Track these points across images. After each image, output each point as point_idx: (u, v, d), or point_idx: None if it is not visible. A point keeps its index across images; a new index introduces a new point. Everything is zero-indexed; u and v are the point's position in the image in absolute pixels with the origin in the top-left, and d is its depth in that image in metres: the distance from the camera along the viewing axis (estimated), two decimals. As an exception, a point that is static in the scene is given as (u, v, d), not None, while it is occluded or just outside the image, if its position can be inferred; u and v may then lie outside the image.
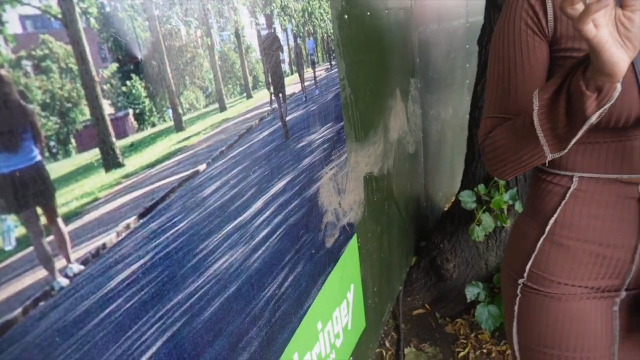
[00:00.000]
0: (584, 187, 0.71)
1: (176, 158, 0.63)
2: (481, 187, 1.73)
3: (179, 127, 0.64)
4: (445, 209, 2.58)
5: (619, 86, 0.53)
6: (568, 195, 0.73)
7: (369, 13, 1.37)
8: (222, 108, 0.73)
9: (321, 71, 1.05)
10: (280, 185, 0.89)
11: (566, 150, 0.61)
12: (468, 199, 1.70)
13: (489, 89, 0.74)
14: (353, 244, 1.29)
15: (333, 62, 1.11)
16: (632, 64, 0.60)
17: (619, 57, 0.50)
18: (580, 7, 0.49)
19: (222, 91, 0.73)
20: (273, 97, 0.87)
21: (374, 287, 1.53)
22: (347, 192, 1.25)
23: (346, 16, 1.19)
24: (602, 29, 0.49)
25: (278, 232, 0.89)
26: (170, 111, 0.63)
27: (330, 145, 1.11)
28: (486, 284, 1.76)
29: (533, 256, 0.77)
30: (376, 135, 1.45)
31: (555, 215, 0.74)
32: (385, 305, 1.71)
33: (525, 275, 0.78)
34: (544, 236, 0.75)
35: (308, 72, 0.99)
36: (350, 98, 1.22)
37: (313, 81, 1.01)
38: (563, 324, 0.75)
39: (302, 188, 0.99)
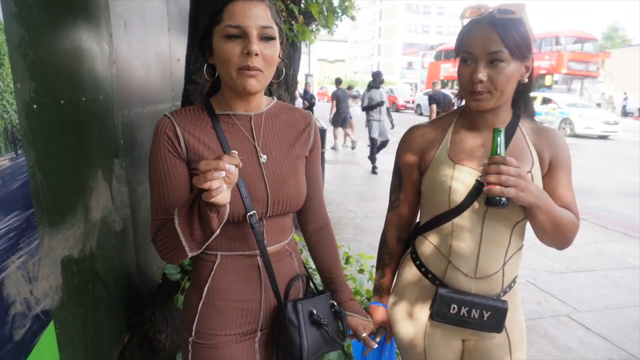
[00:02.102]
0: (224, 261, 1.00)
1: None
2: (186, 259, 1.94)
3: None
4: (160, 281, 2.67)
5: (228, 206, 0.82)
6: (215, 268, 1.00)
7: (62, 102, 1.43)
8: None
9: (4, 161, 1.05)
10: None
11: (202, 249, 0.88)
12: (173, 271, 1.88)
13: (152, 197, 0.96)
14: (50, 331, 1.25)
15: (19, 151, 1.12)
16: (237, 185, 0.93)
17: (225, 199, 0.77)
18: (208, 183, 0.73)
19: None
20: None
21: (79, 375, 1.47)
22: (40, 279, 1.22)
23: (35, 106, 1.23)
24: (216, 194, 0.74)
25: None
26: None
27: (18, 233, 1.10)
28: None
29: (196, 317, 1.00)
30: (75, 218, 1.47)
31: (208, 283, 1.00)
32: (94, 392, 1.64)
33: (193, 333, 1.00)
34: (202, 301, 1.00)
35: (-12, 164, 0.99)
36: (42, 184, 1.24)
37: (-6, 172, 1.01)
38: None
39: (-19, 282, 0.94)
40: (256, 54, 0.89)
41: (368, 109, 7.61)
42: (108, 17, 1.92)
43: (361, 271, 2.55)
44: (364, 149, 10.70)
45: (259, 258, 1.01)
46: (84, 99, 1.62)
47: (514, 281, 1.15)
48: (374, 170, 7.92)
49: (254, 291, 1.02)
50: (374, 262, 2.62)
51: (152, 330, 1.99)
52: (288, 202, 1.02)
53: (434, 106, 7.60)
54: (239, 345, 1.02)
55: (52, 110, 1.36)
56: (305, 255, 1.94)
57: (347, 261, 2.53)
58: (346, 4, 7.37)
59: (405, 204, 1.23)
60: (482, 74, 0.99)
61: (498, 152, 0.95)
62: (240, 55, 0.89)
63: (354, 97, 11.42)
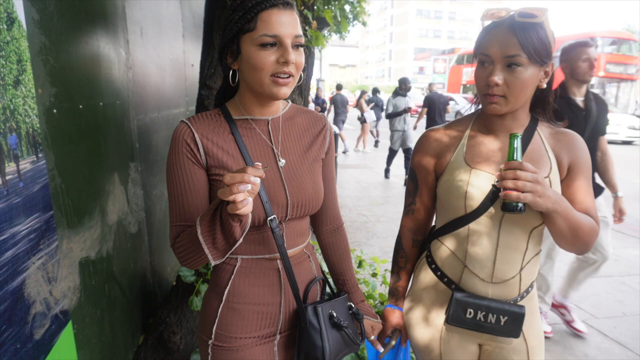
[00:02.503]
0: (244, 264, 1.01)
1: None
2: (200, 261, 1.96)
3: None
4: (174, 283, 2.69)
5: (250, 215, 0.83)
6: (235, 271, 1.01)
7: (81, 106, 1.46)
8: None
9: (26, 164, 1.08)
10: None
11: (225, 258, 0.88)
12: (187, 273, 1.89)
13: (170, 203, 0.97)
14: (68, 331, 1.27)
15: (40, 155, 1.15)
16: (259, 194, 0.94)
17: (248, 209, 0.78)
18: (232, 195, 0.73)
19: None
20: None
21: (95, 375, 1.49)
22: (59, 280, 1.24)
23: (55, 111, 1.26)
24: (241, 207, 0.75)
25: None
26: None
27: (38, 235, 1.12)
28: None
29: (216, 320, 1.00)
30: (92, 220, 1.49)
31: (228, 287, 1.00)
32: (109, 393, 1.66)
33: (212, 336, 1.00)
34: (222, 304, 1.00)
35: (10, 167, 1.01)
36: (61, 187, 1.26)
37: (17, 174, 1.03)
38: None
39: (3, 282, 0.97)
40: (292, 62, 0.90)
41: (393, 116, 7.14)
42: (125, 24, 1.96)
43: (374, 275, 2.54)
44: (372, 153, 10.72)
45: (279, 261, 1.02)
46: (101, 103, 1.66)
47: (531, 286, 1.13)
48: (386, 175, 7.91)
49: (274, 294, 1.02)
50: (387, 265, 2.61)
51: (167, 331, 2.01)
52: (307, 204, 1.02)
53: (425, 110, 7.37)
54: (258, 348, 1.02)
55: (71, 114, 1.39)
56: (320, 257, 1.95)
57: (359, 265, 2.52)
58: (357, 9, 7.39)
59: (421, 208, 1.22)
60: (498, 77, 0.98)
61: (515, 157, 0.94)
62: (276, 63, 0.90)
63: (368, 102, 11.50)
